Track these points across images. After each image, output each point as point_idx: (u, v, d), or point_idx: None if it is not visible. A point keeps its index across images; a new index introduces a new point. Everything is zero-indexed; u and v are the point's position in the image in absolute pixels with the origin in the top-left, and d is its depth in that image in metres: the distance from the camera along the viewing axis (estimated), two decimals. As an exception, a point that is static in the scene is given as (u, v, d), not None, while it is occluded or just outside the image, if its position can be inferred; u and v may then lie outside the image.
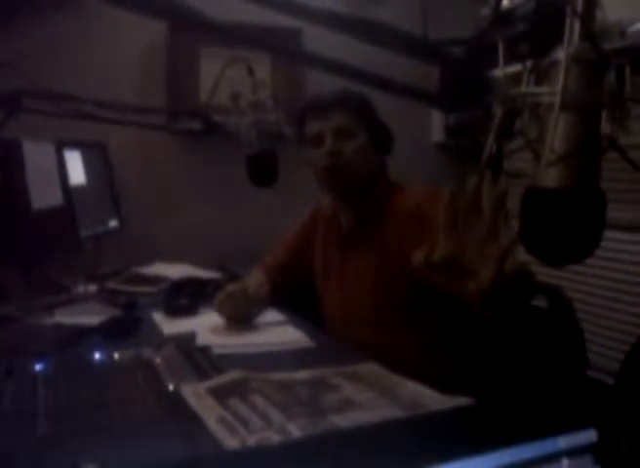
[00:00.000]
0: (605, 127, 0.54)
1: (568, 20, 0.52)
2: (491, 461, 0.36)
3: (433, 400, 1.03)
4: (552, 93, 0.53)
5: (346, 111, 1.50)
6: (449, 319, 1.48)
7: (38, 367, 1.21)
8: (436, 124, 2.93)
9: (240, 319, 1.55)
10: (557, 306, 1.43)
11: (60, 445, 0.91)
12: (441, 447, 0.34)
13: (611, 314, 2.32)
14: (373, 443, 0.33)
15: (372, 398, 1.07)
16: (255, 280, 1.76)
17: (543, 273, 2.40)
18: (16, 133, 1.56)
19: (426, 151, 2.94)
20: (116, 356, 1.29)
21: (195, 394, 1.08)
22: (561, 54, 0.53)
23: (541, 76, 0.59)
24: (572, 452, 0.38)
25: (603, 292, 2.36)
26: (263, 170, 1.49)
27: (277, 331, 1.53)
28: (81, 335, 1.43)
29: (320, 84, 1.57)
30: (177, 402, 1.06)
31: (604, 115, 0.54)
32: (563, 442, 0.38)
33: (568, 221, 0.54)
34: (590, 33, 0.52)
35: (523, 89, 0.55)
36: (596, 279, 2.37)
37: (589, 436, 0.38)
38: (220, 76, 1.47)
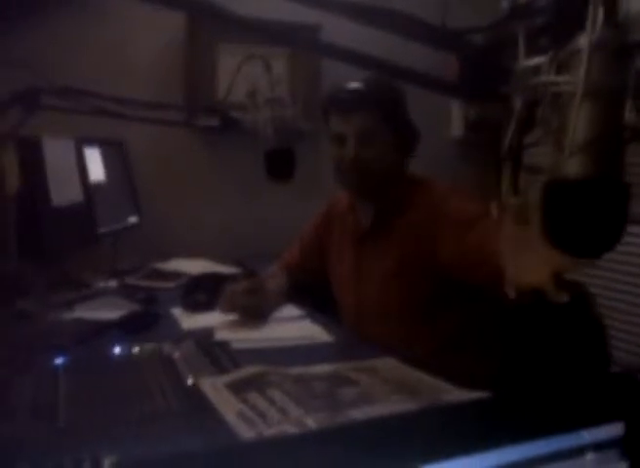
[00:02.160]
0: (629, 116, 0.53)
1: (590, 7, 0.51)
2: (513, 454, 0.35)
3: (451, 394, 1.02)
4: (573, 81, 0.52)
5: (371, 112, 1.44)
6: (468, 314, 1.47)
7: (59, 361, 1.23)
8: (456, 119, 2.90)
9: (254, 314, 1.55)
10: (579, 302, 1.41)
11: (80, 437, 0.92)
12: (461, 439, 0.34)
13: (634, 309, 2.29)
14: (388, 435, 0.33)
15: (389, 392, 1.07)
16: (273, 276, 1.77)
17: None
18: (35, 130, 1.58)
19: (446, 146, 2.92)
20: (135, 350, 1.30)
21: (214, 388, 1.08)
22: (583, 41, 0.52)
23: (562, 66, 0.58)
24: (598, 446, 0.37)
25: (627, 287, 2.32)
26: (281, 165, 1.48)
27: (295, 326, 1.52)
28: (101, 330, 1.44)
29: (338, 78, 1.56)
30: (195, 396, 1.06)
31: (628, 104, 0.53)
32: (588, 435, 0.37)
33: (590, 213, 0.52)
34: (614, 19, 0.50)
35: (543, 78, 0.54)
36: (619, 274, 2.33)
37: (616, 429, 0.37)
38: (237, 72, 1.47)
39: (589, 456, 0.37)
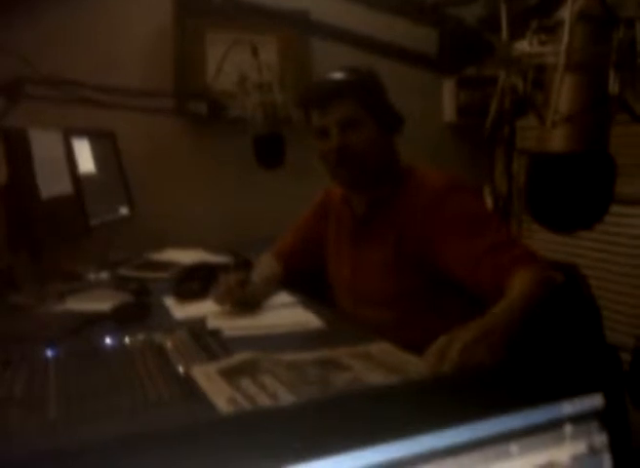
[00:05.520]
0: (613, 87, 0.52)
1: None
2: (492, 427, 0.34)
3: (445, 378, 1.02)
4: (557, 52, 0.50)
5: (350, 100, 1.43)
6: (465, 301, 1.46)
7: (50, 352, 1.22)
8: (447, 104, 2.89)
9: (247, 304, 1.54)
10: (572, 283, 1.41)
11: (71, 428, 0.91)
12: (437, 413, 0.33)
13: (626, 290, 2.29)
14: (371, 408, 0.32)
15: (383, 377, 1.07)
16: (264, 264, 1.76)
17: (560, 251, 2.37)
18: (22, 121, 1.56)
19: (438, 131, 2.90)
20: (127, 341, 1.29)
21: (205, 375, 1.08)
22: (566, 12, 0.50)
23: (546, 41, 0.56)
24: (576, 418, 0.37)
25: (619, 268, 2.32)
26: (270, 151, 1.47)
27: (287, 313, 1.52)
28: (92, 322, 1.43)
29: (327, 65, 1.54)
30: (187, 384, 1.06)
31: (612, 75, 0.52)
32: (567, 407, 0.37)
33: (574, 187, 0.51)
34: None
35: (526, 49, 0.53)
36: (610, 255, 2.34)
37: (595, 401, 0.37)
38: (224, 57, 1.46)
39: (568, 429, 0.37)
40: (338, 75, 1.48)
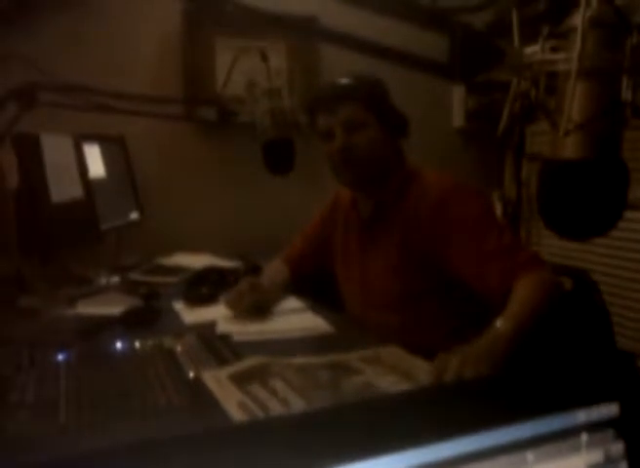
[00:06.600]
0: (626, 94, 0.52)
1: (584, -18, 0.50)
2: (506, 435, 0.34)
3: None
4: (569, 59, 0.50)
5: (355, 102, 1.45)
6: (472, 303, 1.46)
7: (61, 357, 1.23)
8: (457, 109, 2.89)
9: (258, 310, 1.55)
10: (582, 289, 1.41)
11: (81, 433, 0.92)
12: (456, 420, 0.33)
13: (637, 296, 2.28)
14: (384, 416, 0.32)
15: (393, 382, 1.06)
16: (273, 269, 1.76)
17: (570, 256, 2.36)
18: (34, 127, 1.57)
19: (447, 136, 2.90)
20: (137, 345, 1.29)
21: (216, 380, 1.08)
22: (577, 18, 0.50)
23: (558, 47, 0.56)
24: (592, 427, 0.36)
25: (630, 273, 2.31)
26: (279, 157, 1.48)
27: (297, 318, 1.52)
28: (103, 326, 1.44)
29: (335, 71, 1.55)
30: (197, 389, 1.06)
31: (625, 81, 0.52)
32: (582, 416, 0.36)
33: (587, 194, 0.51)
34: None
35: (538, 56, 0.53)
36: (621, 261, 2.32)
37: (611, 410, 0.37)
38: (233, 64, 1.47)
39: (584, 437, 0.36)
40: (343, 79, 1.51)
